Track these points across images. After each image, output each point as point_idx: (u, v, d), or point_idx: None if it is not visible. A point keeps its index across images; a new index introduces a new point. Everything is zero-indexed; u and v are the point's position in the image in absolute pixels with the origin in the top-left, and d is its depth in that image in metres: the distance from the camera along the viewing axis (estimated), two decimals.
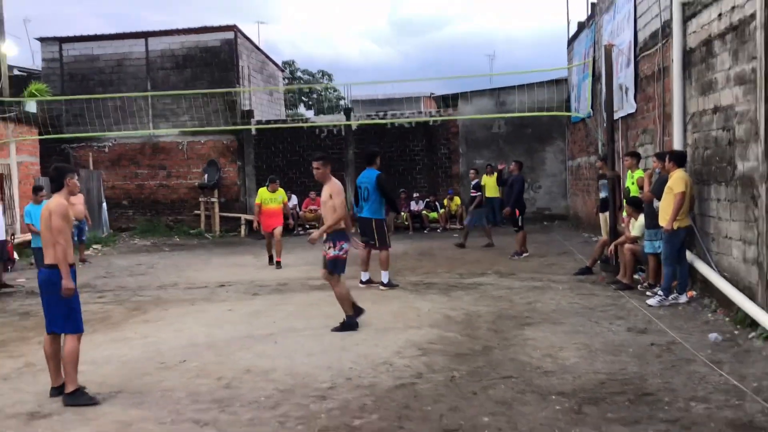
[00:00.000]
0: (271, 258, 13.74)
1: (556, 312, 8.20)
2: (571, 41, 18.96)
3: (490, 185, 16.59)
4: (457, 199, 20.34)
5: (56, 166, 5.96)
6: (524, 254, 13.35)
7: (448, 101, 21.88)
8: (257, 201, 13.97)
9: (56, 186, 5.82)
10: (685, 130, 9.05)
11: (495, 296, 9.39)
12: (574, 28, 18.54)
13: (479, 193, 15.72)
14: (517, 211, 13.24)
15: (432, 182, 21.22)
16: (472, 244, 15.40)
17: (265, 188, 13.93)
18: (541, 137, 20.87)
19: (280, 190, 14.01)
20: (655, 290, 8.81)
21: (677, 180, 8.11)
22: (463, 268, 12.16)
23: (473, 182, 16.04)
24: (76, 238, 14.05)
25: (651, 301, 8.30)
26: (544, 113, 18.04)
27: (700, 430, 4.37)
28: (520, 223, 13.30)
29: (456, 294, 9.68)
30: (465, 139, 21.31)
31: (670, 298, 8.37)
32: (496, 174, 16.19)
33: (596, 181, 13.38)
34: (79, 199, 14.23)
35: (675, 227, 8.10)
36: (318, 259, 13.96)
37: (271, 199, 13.71)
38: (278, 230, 13.58)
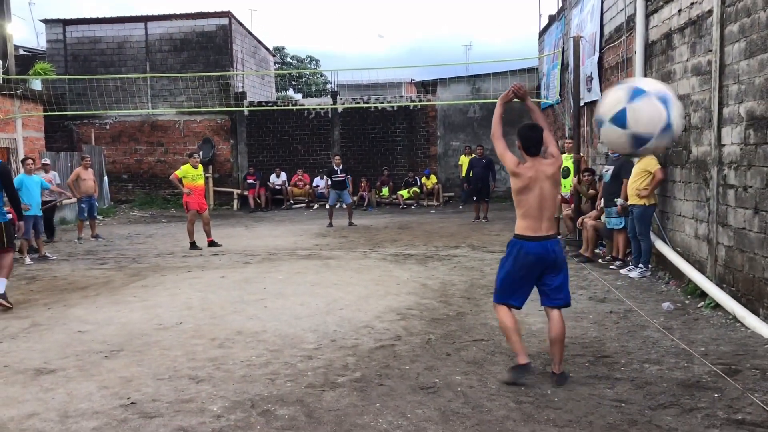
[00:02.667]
0: (193, 243, 11.77)
1: None
2: (542, 33, 18.92)
3: (467, 164, 16.58)
4: (433, 178, 20.39)
5: None
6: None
7: (427, 87, 21.78)
8: (179, 174, 11.86)
9: None
10: None
11: (468, 267, 9.45)
12: (545, 21, 18.48)
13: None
14: (493, 185, 15.62)
15: (411, 162, 21.21)
16: (448, 220, 15.46)
17: (188, 165, 11.95)
18: (513, 121, 20.49)
19: (201, 167, 12.22)
20: (617, 264, 8.93)
21: (650, 160, 8.14)
22: (439, 242, 12.21)
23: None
24: (86, 214, 13.83)
25: (633, 274, 8.33)
26: (517, 100, 18.04)
27: (653, 389, 4.45)
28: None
29: (432, 264, 9.72)
30: (443, 123, 21.26)
31: (626, 269, 8.49)
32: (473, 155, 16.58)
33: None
34: (89, 175, 13.99)
35: (647, 203, 8.17)
36: (304, 231, 13.92)
37: (197, 175, 11.98)
38: (207, 212, 12.13)
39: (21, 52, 23.27)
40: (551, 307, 4.65)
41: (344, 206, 15.84)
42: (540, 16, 19.24)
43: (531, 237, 4.58)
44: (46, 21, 22.16)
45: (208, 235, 12.06)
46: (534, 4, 39.51)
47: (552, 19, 17.41)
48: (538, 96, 18.94)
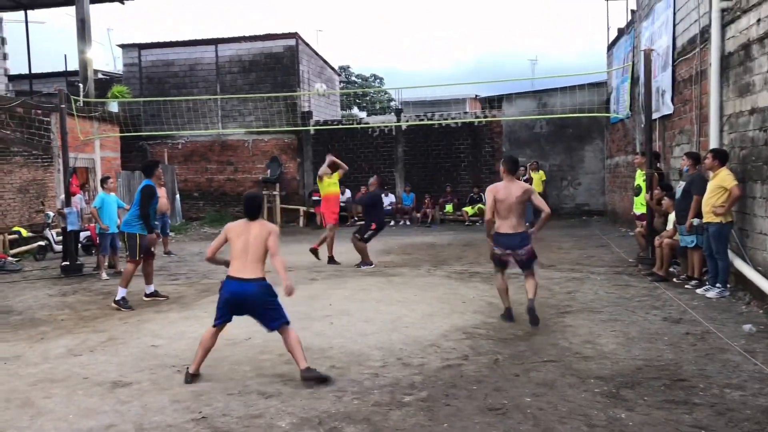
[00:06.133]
0: (331, 258, 12.03)
1: (595, 301, 8.07)
2: (611, 46, 18.56)
3: (535, 181, 16.46)
4: None
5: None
6: (369, 265, 11.64)
7: (492, 103, 21.63)
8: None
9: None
10: (721, 131, 8.78)
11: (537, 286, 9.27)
12: (614, 34, 18.13)
13: None
14: (373, 225, 11.76)
15: (476, 178, 21.04)
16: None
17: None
18: (581, 137, 20.48)
19: (336, 174, 12.33)
20: (693, 283, 8.60)
21: (727, 176, 7.84)
22: None
23: (523, 178, 15.84)
24: (160, 231, 14.20)
25: (710, 294, 8.00)
26: (585, 114, 17.83)
27: (736, 416, 4.25)
28: (367, 236, 11.79)
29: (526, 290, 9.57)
30: (508, 138, 21.06)
31: (703, 289, 8.17)
32: (541, 171, 16.25)
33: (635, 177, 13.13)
34: (162, 192, 14.39)
35: (724, 221, 7.86)
36: (368, 248, 14.01)
37: (332, 183, 12.26)
38: (333, 221, 12.28)
39: (99, 76, 24.38)
40: None
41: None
42: (608, 29, 18.95)
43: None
44: (122, 46, 23.21)
45: (329, 249, 12.06)
46: (602, 17, 38.85)
47: (621, 33, 17.07)
48: (607, 110, 18.55)
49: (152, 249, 9.20)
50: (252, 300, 5.28)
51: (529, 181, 17.92)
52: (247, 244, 5.38)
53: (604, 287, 8.99)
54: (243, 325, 7.21)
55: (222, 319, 5.44)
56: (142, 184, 8.85)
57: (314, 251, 12.16)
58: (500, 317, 7.20)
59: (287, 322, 5.36)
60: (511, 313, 7.15)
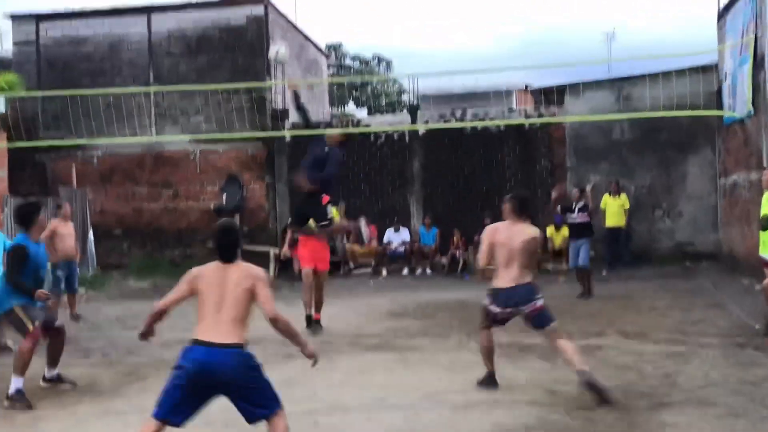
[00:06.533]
0: (309, 318, 12.31)
1: (705, 388, 8.01)
2: (723, 14, 18.67)
3: (613, 209, 16.38)
4: (564, 230, 20.00)
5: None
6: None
7: (550, 96, 21.74)
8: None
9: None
10: None
11: (619, 365, 9.24)
12: None
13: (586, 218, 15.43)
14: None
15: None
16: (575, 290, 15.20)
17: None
18: (681, 145, 20.51)
19: (332, 208, 12.71)
20: None
21: None
22: (573, 325, 11.94)
23: (578, 205, 15.64)
24: (62, 285, 14.16)
25: None
26: (685, 112, 17.76)
27: None
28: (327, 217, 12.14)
29: (563, 361, 9.51)
30: (574, 148, 21.13)
31: None
32: (623, 194, 16.19)
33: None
34: (68, 229, 14.36)
35: None
36: (371, 309, 13.96)
37: None
38: (324, 271, 12.58)
39: None
40: None
41: None
42: None
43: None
44: (13, 17, 23.43)
45: (317, 309, 12.29)
46: None
47: None
48: (719, 105, 18.59)
49: (54, 321, 9.17)
50: (228, 376, 5.34)
51: (603, 213, 18.06)
52: (222, 297, 5.52)
53: (718, 367, 8.91)
54: (185, 425, 7.16)
55: (170, 410, 5.42)
56: (14, 241, 8.97)
57: (316, 322, 12.22)
58: (477, 384, 8.14)
59: (280, 407, 5.51)
60: (494, 379, 8.15)
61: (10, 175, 19.53)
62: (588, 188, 15.98)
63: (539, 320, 7.91)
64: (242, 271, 5.58)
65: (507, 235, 7.94)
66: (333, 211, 12.76)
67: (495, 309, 7.99)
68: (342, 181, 21.60)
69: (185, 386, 5.38)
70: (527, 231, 8.01)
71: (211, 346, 5.36)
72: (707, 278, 17.27)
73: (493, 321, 8.12)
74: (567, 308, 13.78)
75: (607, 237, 19.12)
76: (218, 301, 5.49)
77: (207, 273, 5.64)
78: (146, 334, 5.87)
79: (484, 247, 8.13)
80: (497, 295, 7.98)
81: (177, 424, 5.45)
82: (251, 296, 5.51)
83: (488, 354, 8.22)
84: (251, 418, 5.46)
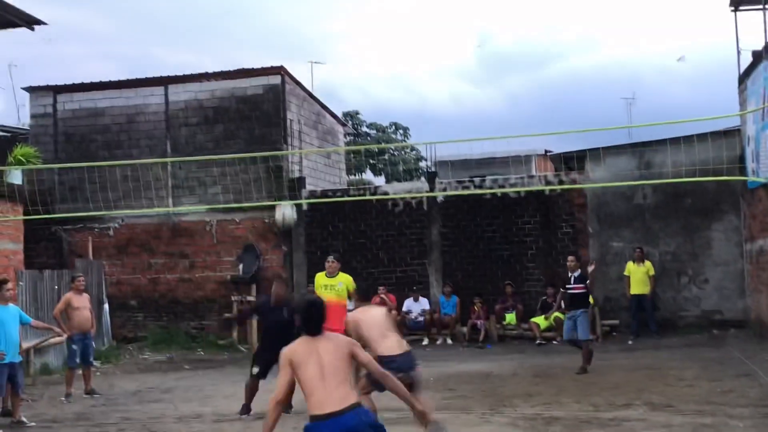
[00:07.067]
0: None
1: None
2: (744, 77, 18.73)
3: (638, 276, 16.27)
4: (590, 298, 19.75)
5: None
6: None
7: (570, 162, 21.78)
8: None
9: None
10: None
11: None
12: (747, 60, 18.34)
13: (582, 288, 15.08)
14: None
15: (550, 273, 20.88)
16: (612, 361, 15.04)
17: (322, 273, 12.76)
18: (706, 210, 20.44)
19: (345, 276, 12.69)
20: None
21: None
22: (599, 396, 11.87)
23: (574, 274, 15.32)
24: (78, 359, 14.13)
25: None
26: (709, 178, 17.74)
27: None
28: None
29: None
30: (597, 214, 21.09)
31: None
32: (647, 262, 16.12)
33: None
34: (84, 302, 14.41)
35: None
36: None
37: (327, 286, 12.48)
38: None
39: None
40: None
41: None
42: (738, 53, 19.06)
43: None
44: (30, 89, 23.80)
45: None
46: (728, 35, 39.32)
47: (759, 57, 17.26)
48: (742, 171, 18.56)
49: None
50: None
51: (628, 280, 18.04)
52: (321, 365, 5.65)
53: None
54: None
55: None
56: None
57: None
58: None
59: None
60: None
61: (25, 248, 19.63)
62: (590, 268, 15.70)
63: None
64: (332, 339, 5.85)
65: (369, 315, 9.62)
66: (347, 281, 12.71)
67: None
68: (359, 250, 21.68)
69: None
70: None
71: (332, 416, 5.49)
72: (736, 346, 17.08)
73: (377, 385, 8.15)
74: (593, 380, 13.68)
75: (633, 305, 18.99)
76: (319, 371, 5.61)
77: (300, 350, 5.77)
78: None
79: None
80: (393, 362, 8.61)
81: None
82: (349, 357, 5.75)
83: None
84: None
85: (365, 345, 8.28)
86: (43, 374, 16.47)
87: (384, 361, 8.10)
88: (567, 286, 15.25)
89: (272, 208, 21.65)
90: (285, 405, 6.08)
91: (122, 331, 22.27)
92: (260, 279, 21.82)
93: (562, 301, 15.96)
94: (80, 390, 14.20)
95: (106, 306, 21.17)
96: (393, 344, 9.04)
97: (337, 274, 12.61)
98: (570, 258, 15.74)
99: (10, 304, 11.83)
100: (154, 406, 12.93)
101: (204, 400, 13.28)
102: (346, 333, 8.50)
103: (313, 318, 5.85)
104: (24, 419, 11.68)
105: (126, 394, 14.29)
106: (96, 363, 16.55)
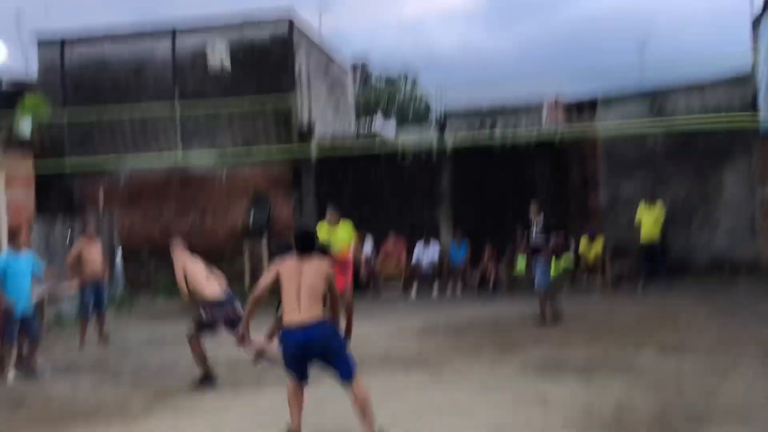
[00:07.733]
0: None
1: (748, 404, 7.96)
2: (758, 20, 18.55)
3: (649, 221, 16.25)
4: (597, 243, 19.73)
5: None
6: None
7: (582, 109, 21.68)
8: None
9: None
10: None
11: (657, 381, 9.17)
12: (760, 2, 18.15)
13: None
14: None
15: (560, 219, 20.83)
16: (622, 306, 15.07)
17: (325, 222, 13.10)
18: (717, 155, 20.31)
19: (346, 225, 13.08)
20: None
21: None
22: (609, 340, 11.90)
23: (537, 220, 15.30)
24: (91, 308, 14.24)
25: None
26: (721, 122, 17.67)
27: None
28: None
29: (599, 378, 9.46)
30: (608, 160, 21.02)
31: None
32: (659, 204, 16.22)
33: None
34: (96, 250, 14.50)
35: None
36: (401, 328, 13.98)
37: (329, 232, 12.79)
38: (347, 290, 12.59)
39: (3, 83, 24.76)
40: None
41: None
42: None
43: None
44: (39, 42, 23.71)
45: (347, 329, 12.00)
46: None
47: None
48: (755, 116, 18.43)
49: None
50: (319, 346, 7.10)
51: (639, 226, 18.01)
52: (300, 284, 7.12)
53: (761, 381, 8.85)
54: None
55: (297, 374, 7.24)
56: None
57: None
58: None
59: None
60: None
61: (37, 197, 19.68)
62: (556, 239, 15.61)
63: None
64: (316, 264, 7.27)
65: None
66: (347, 229, 13.17)
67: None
68: (370, 198, 21.69)
69: (294, 360, 7.17)
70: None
71: (301, 327, 6.97)
72: (746, 290, 17.12)
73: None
74: (604, 322, 13.73)
75: (643, 254, 18.92)
76: (298, 289, 7.05)
77: (289, 266, 7.30)
78: (245, 338, 7.94)
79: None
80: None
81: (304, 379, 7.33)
82: (326, 282, 7.19)
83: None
84: (344, 379, 7.18)
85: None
86: (56, 324, 16.57)
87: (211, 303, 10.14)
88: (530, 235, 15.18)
89: (283, 155, 21.66)
90: (261, 302, 7.54)
91: (135, 279, 22.37)
92: (271, 229, 21.84)
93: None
94: (94, 338, 14.33)
95: (119, 255, 21.29)
96: (216, 288, 10.64)
97: (338, 223, 13.08)
98: (532, 202, 15.71)
99: (24, 253, 11.85)
100: (166, 353, 13.03)
101: (216, 347, 13.34)
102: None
103: (305, 241, 7.42)
104: (38, 368, 11.76)
105: (140, 342, 14.39)
106: (110, 311, 16.66)
